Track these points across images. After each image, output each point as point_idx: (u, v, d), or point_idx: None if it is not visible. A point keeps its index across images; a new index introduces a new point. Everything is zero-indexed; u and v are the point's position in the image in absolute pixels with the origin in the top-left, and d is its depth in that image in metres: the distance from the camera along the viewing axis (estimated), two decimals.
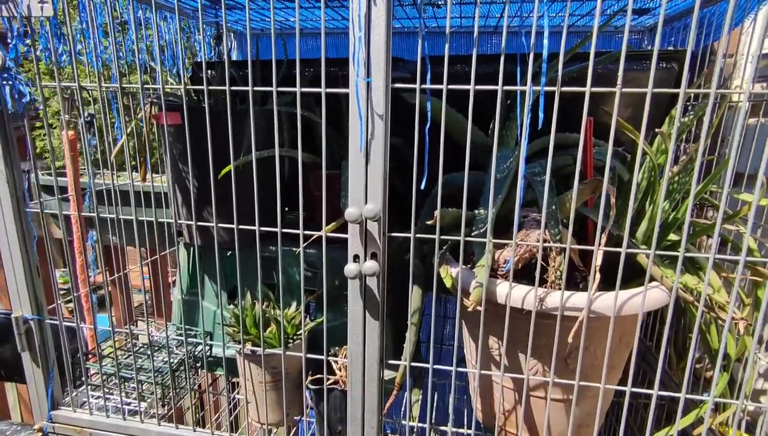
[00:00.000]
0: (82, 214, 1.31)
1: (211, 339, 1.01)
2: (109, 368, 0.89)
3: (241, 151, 0.85)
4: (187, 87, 0.93)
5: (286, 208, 1.32)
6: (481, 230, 0.80)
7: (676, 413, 0.75)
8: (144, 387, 0.88)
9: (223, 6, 0.65)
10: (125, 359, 0.93)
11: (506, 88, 0.56)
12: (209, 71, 1.18)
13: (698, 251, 0.80)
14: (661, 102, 1.02)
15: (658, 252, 0.65)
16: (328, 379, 0.83)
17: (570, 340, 0.64)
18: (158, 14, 1.12)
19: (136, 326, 1.12)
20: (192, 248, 1.00)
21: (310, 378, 0.82)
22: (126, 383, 0.88)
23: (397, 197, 0.76)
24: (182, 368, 0.86)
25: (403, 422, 0.87)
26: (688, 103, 1.12)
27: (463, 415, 1.03)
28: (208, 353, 0.92)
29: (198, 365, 0.92)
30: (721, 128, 1.06)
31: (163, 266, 1.25)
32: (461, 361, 0.93)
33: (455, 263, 0.80)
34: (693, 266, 0.76)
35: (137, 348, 0.93)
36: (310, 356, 0.73)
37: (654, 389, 0.67)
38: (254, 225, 0.67)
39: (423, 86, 0.57)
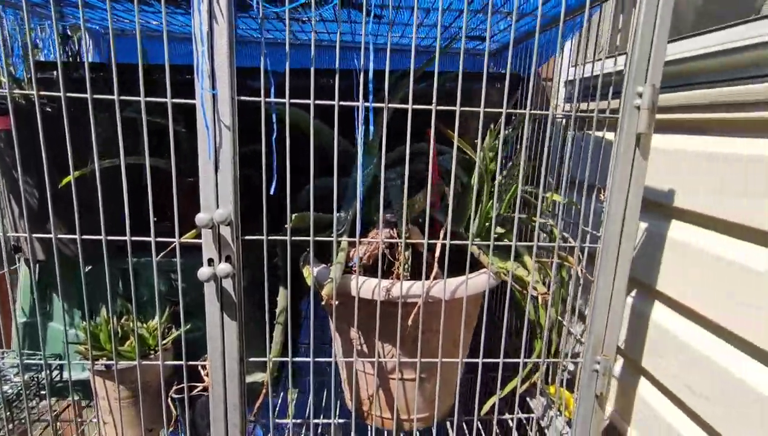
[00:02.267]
0: None
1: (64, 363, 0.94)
2: None
3: (92, 160, 0.81)
4: (14, 92, 0.86)
5: (155, 219, 1.27)
6: (341, 232, 0.87)
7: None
8: None
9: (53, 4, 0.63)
10: None
11: (343, 103, 0.63)
12: (53, 72, 1.09)
13: (522, 241, 0.95)
14: (498, 116, 1.20)
15: (476, 243, 0.78)
16: (195, 386, 0.83)
17: (410, 323, 0.74)
18: None
19: None
20: (35, 264, 0.92)
21: (174, 387, 0.81)
22: None
23: (268, 200, 0.80)
24: (22, 397, 0.79)
25: (278, 421, 0.90)
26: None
27: (337, 407, 1.09)
28: (56, 378, 0.86)
29: (43, 392, 0.85)
30: (546, 140, 1.28)
31: (2, 286, 1.11)
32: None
33: (319, 264, 0.85)
34: (517, 255, 0.91)
35: None
36: (169, 363, 0.73)
37: (500, 358, 0.79)
38: (112, 236, 0.65)
39: (267, 99, 0.62)
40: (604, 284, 0.72)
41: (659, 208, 0.89)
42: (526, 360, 0.81)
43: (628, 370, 0.97)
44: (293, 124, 0.84)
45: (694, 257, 0.80)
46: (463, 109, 0.68)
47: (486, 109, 0.72)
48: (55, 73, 1.06)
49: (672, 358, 0.84)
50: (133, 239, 0.65)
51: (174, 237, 0.69)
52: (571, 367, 1.05)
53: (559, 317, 0.95)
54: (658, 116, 0.90)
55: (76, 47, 1.23)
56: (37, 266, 0.88)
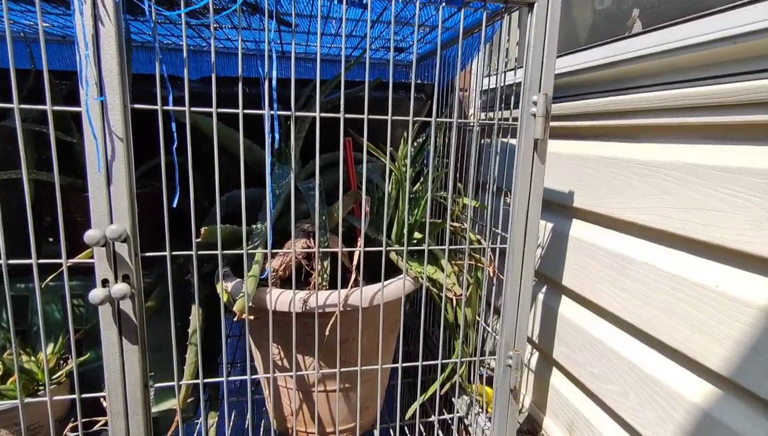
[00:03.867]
0: None
1: None
2: None
3: None
4: None
5: (51, 239, 1.15)
6: (256, 244, 0.84)
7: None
8: None
9: None
10: None
11: (248, 112, 0.61)
12: None
13: (437, 245, 0.98)
14: (414, 124, 1.23)
15: (391, 248, 0.79)
16: (94, 421, 0.76)
17: (327, 333, 0.73)
18: None
19: None
20: None
21: (70, 425, 0.73)
22: None
23: (181, 216, 0.74)
24: None
25: None
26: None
27: (260, 428, 1.05)
28: None
29: None
30: (460, 147, 1.33)
31: None
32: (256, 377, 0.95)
33: (234, 278, 0.82)
34: (433, 259, 0.93)
35: None
36: (62, 398, 0.65)
37: (419, 360, 0.79)
38: None
39: (165, 108, 0.58)
40: (512, 282, 0.76)
41: (562, 208, 0.96)
42: (444, 362, 0.83)
43: (542, 362, 1.03)
44: (202, 134, 0.81)
45: (588, 251, 0.87)
46: (371, 117, 0.69)
47: (394, 118, 0.73)
48: None
49: (577, 347, 0.90)
50: (11, 262, 0.58)
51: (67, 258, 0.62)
52: (492, 364, 1.10)
53: (477, 317, 0.99)
54: (560, 124, 0.98)
55: None
56: None
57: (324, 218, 0.88)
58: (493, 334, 1.02)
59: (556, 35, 0.67)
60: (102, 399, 0.77)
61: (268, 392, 0.94)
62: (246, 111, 0.61)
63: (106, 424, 0.78)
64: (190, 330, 0.83)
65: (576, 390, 0.92)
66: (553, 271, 0.98)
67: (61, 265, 0.59)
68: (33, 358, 0.78)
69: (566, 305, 0.95)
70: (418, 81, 1.42)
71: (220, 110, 0.60)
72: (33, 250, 0.58)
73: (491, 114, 1.16)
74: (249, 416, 0.74)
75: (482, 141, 1.20)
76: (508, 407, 0.81)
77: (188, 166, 0.60)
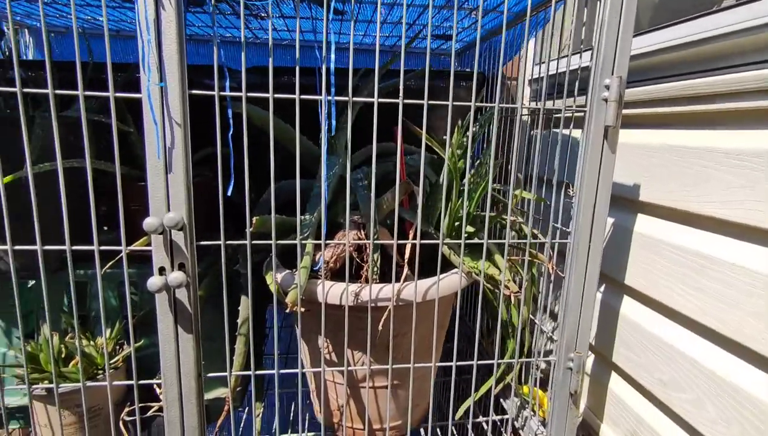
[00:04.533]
0: None
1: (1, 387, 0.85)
2: None
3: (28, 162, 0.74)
4: None
5: (105, 228, 1.18)
6: (306, 235, 0.83)
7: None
8: None
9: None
10: None
11: (304, 97, 0.60)
12: None
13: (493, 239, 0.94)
14: (466, 112, 1.20)
15: (448, 242, 0.76)
16: (149, 407, 0.77)
17: (380, 328, 0.70)
18: None
19: None
20: None
21: (126, 409, 0.74)
22: None
23: (230, 206, 0.74)
24: None
25: None
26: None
27: (306, 420, 1.04)
28: None
29: None
30: (513, 137, 1.28)
31: None
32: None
33: (283, 269, 0.81)
34: (487, 254, 0.89)
35: None
36: (120, 383, 0.66)
37: (474, 360, 0.76)
38: (57, 245, 0.59)
39: (222, 93, 0.57)
40: (575, 280, 0.71)
41: (625, 202, 0.90)
42: (500, 361, 0.79)
43: (599, 365, 0.97)
44: (254, 123, 0.80)
45: (656, 248, 0.80)
46: (431, 102, 0.65)
47: (454, 103, 0.70)
48: None
49: (640, 350, 0.84)
50: (74, 248, 0.59)
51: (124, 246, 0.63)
52: (543, 365, 1.05)
53: (531, 316, 0.94)
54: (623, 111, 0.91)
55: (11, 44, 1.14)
56: None
57: (373, 208, 0.86)
58: (548, 334, 0.97)
59: (633, 11, 0.61)
60: (156, 386, 0.78)
61: (314, 385, 0.94)
62: (303, 96, 0.59)
63: (159, 409, 0.79)
64: (239, 320, 0.83)
65: (639, 397, 0.86)
66: (613, 268, 0.92)
67: (119, 252, 0.60)
68: (92, 343, 0.80)
69: (629, 306, 0.89)
70: (467, 69, 1.37)
71: (276, 96, 0.58)
72: (95, 237, 0.59)
73: (547, 103, 1.10)
74: (299, 408, 0.73)
75: (532, 132, 1.14)
76: (567, 412, 0.76)
77: (243, 157, 0.59)
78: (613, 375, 0.93)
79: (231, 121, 0.58)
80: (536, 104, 1.25)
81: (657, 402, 0.81)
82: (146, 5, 0.53)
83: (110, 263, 0.72)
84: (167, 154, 0.57)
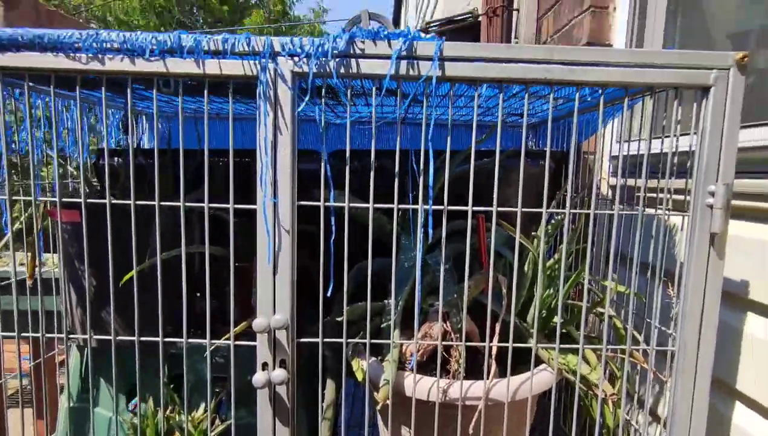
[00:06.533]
0: None
1: None
2: None
3: (148, 251, 0.83)
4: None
5: (198, 294, 1.28)
6: (388, 321, 0.84)
7: None
8: None
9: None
10: None
11: (402, 206, 0.63)
12: (116, 159, 1.15)
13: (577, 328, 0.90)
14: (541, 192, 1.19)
15: (542, 345, 0.73)
16: None
17: (471, 431, 0.69)
18: (59, 102, 1.09)
19: None
20: (85, 350, 0.93)
21: None
22: None
23: (312, 284, 0.78)
24: None
25: None
26: (563, 194, 1.28)
27: None
28: None
29: None
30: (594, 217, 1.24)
31: (51, 369, 1.12)
32: None
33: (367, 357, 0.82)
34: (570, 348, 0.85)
35: None
36: None
37: None
38: (158, 326, 0.65)
39: (327, 204, 0.62)
40: (683, 389, 0.66)
41: (734, 299, 0.83)
42: None
43: None
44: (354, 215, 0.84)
45: None
46: (524, 210, 0.66)
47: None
48: (117, 159, 1.11)
49: None
50: (190, 341, 0.64)
51: (224, 324, 0.68)
52: None
53: (626, 416, 0.87)
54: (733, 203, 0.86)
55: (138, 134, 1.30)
56: (88, 352, 0.89)
57: (455, 296, 0.86)
58: None
59: (737, 120, 0.59)
60: None
61: None
62: (401, 206, 0.63)
63: None
64: (324, 404, 0.85)
65: None
66: (722, 371, 0.84)
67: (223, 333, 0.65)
68: (189, 417, 0.85)
69: (742, 414, 0.80)
70: (543, 148, 1.37)
71: (377, 205, 0.62)
72: (207, 331, 0.64)
73: (627, 182, 1.06)
74: None
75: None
76: None
77: (343, 256, 0.63)
78: None
79: (334, 227, 0.63)
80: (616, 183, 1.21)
81: None
82: (266, 130, 0.60)
83: (214, 346, 0.78)
84: (276, 258, 0.62)
